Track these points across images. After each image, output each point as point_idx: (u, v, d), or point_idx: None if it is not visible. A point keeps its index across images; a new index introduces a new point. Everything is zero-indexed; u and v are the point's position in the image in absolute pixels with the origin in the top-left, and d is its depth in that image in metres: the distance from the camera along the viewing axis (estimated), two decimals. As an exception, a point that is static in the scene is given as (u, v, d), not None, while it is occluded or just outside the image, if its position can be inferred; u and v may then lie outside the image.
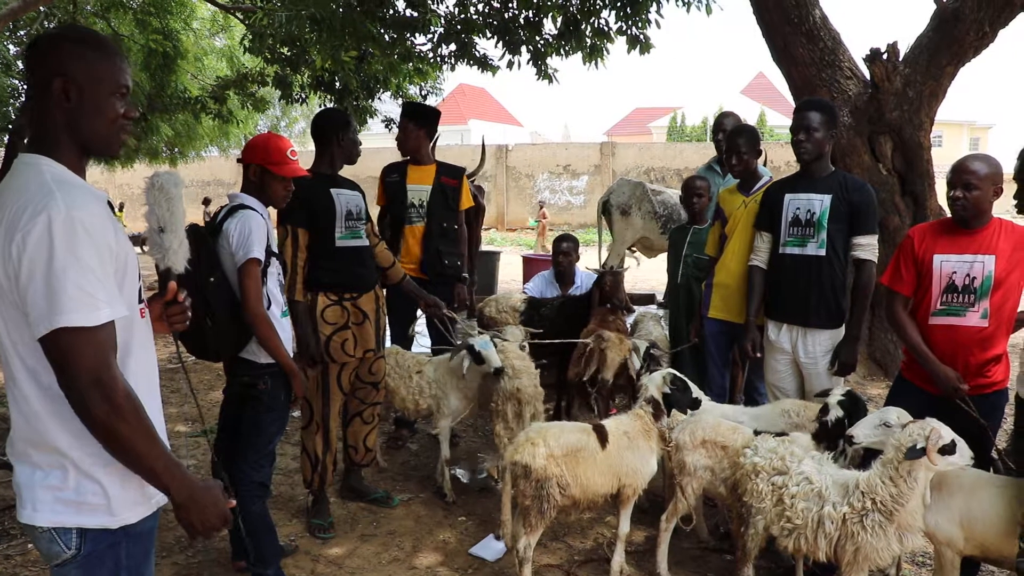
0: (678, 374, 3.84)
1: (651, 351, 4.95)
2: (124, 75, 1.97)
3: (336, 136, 4.48)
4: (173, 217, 2.18)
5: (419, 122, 5.59)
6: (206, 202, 24.94)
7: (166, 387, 7.86)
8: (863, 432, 3.39)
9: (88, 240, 1.75)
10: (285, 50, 8.46)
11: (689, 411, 3.91)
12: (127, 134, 2.03)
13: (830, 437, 3.62)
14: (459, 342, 4.92)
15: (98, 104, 1.92)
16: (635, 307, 6.06)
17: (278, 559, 3.84)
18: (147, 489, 1.96)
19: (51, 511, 1.88)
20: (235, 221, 3.51)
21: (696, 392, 4.30)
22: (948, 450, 2.96)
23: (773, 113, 40.18)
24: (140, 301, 2.03)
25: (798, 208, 4.29)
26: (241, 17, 9.66)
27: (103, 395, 1.74)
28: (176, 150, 15.98)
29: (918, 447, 3.03)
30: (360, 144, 4.64)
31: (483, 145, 7.26)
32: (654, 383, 3.88)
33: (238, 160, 3.81)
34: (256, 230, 3.50)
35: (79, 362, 1.73)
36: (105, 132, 1.95)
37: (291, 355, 3.70)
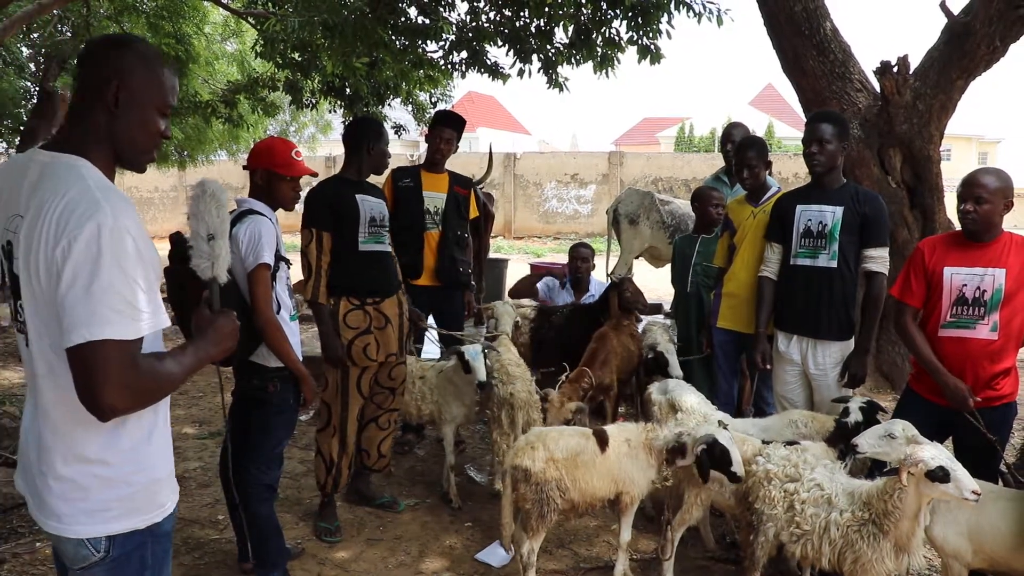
0: (719, 439, 3.51)
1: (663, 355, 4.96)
2: (173, 95, 2.00)
3: (367, 144, 4.53)
4: (224, 225, 2.12)
5: (456, 130, 5.63)
6: None
7: (173, 389, 7.88)
8: (867, 442, 3.39)
9: (134, 251, 1.76)
10: (296, 55, 8.47)
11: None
12: (158, 151, 2.05)
13: (847, 440, 3.62)
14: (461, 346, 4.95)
15: (144, 116, 1.93)
16: (642, 316, 6.07)
17: (284, 562, 3.85)
18: (167, 492, 2.02)
19: (77, 523, 1.88)
20: (244, 226, 3.53)
21: (705, 404, 4.33)
22: (937, 476, 2.90)
23: (781, 124, 40.15)
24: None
25: (810, 219, 4.30)
26: (253, 22, 9.69)
27: (131, 394, 1.77)
28: (186, 153, 16.02)
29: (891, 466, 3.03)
30: (389, 156, 4.67)
31: (490, 153, 7.29)
32: (693, 440, 3.61)
33: (244, 167, 3.84)
34: (266, 235, 3.51)
35: (109, 372, 1.72)
36: (142, 145, 1.97)
37: (300, 359, 3.72)
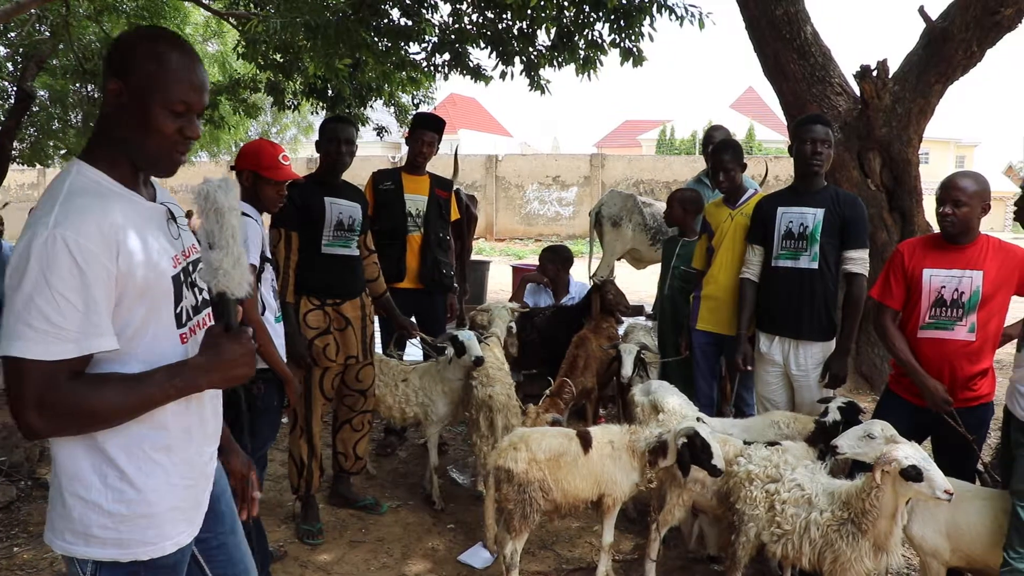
0: (700, 432, 3.56)
1: (640, 355, 4.98)
2: (186, 90, 1.80)
3: (320, 144, 4.55)
4: (223, 231, 1.82)
5: (437, 132, 5.62)
6: (189, 215, 24.22)
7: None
8: (847, 443, 3.43)
9: (70, 264, 1.60)
10: (278, 57, 8.46)
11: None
12: (182, 155, 1.85)
13: (827, 439, 3.66)
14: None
15: (148, 116, 1.77)
16: (624, 318, 6.10)
17: (267, 564, 3.84)
18: (164, 529, 1.85)
19: (63, 539, 1.80)
20: None
21: (686, 403, 4.35)
22: (911, 475, 2.94)
23: (762, 127, 40.37)
24: (181, 326, 1.88)
25: (791, 221, 4.33)
26: (235, 23, 9.66)
27: (46, 416, 1.63)
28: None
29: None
30: (343, 152, 4.53)
31: (455, 155, 7.26)
32: (675, 435, 3.64)
33: (231, 168, 3.83)
34: (251, 236, 3.50)
35: (23, 391, 1.60)
36: (153, 149, 1.81)
37: (284, 361, 3.71)
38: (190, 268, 1.94)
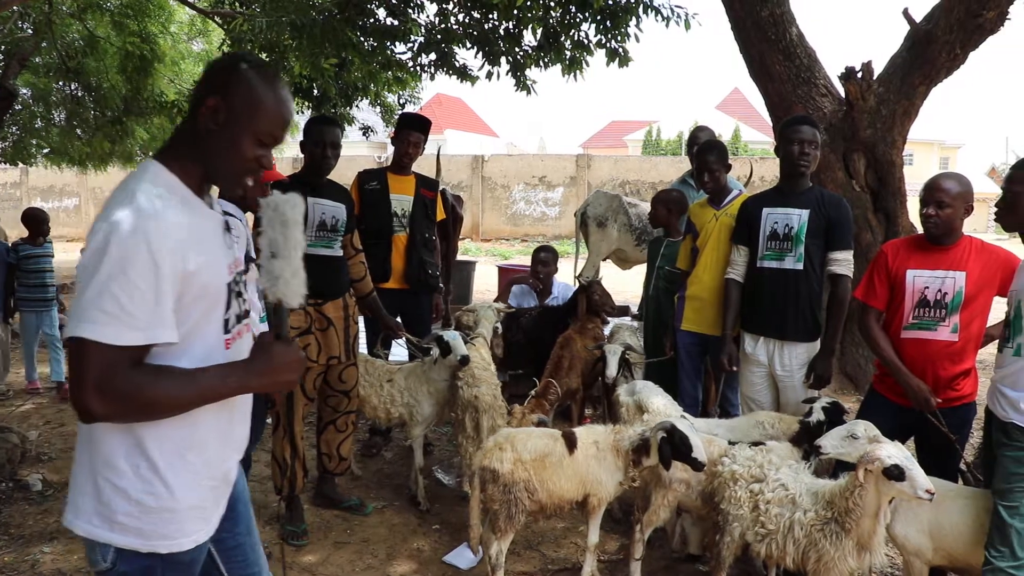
0: (677, 426, 3.57)
1: (625, 356, 4.98)
2: (278, 125, 1.94)
3: (303, 144, 4.51)
4: (287, 243, 1.92)
5: (422, 132, 5.60)
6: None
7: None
8: (830, 443, 3.44)
9: (146, 257, 1.68)
10: (264, 56, 8.43)
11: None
12: (251, 179, 1.98)
13: (810, 438, 3.68)
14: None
15: (238, 139, 1.88)
16: (610, 318, 6.10)
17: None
18: (184, 526, 1.90)
19: (87, 521, 1.84)
20: None
21: (669, 403, 4.36)
22: (893, 475, 2.96)
23: (748, 128, 40.50)
24: (227, 331, 1.96)
25: (776, 222, 4.35)
26: (220, 22, 9.62)
27: (107, 402, 1.68)
28: (151, 154, 15.85)
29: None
30: (326, 152, 4.49)
31: (438, 156, 7.25)
32: (654, 430, 3.65)
33: None
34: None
35: (86, 373, 1.66)
36: (232, 168, 1.93)
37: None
38: (238, 278, 2.03)
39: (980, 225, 36.00)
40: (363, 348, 5.31)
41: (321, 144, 4.47)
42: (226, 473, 2.05)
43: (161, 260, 1.70)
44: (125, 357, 1.69)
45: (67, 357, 1.73)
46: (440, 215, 5.94)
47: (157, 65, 10.78)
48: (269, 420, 4.72)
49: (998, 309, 3.43)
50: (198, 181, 1.92)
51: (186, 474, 1.88)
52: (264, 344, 1.91)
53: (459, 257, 10.23)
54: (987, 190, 37.30)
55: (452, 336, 4.79)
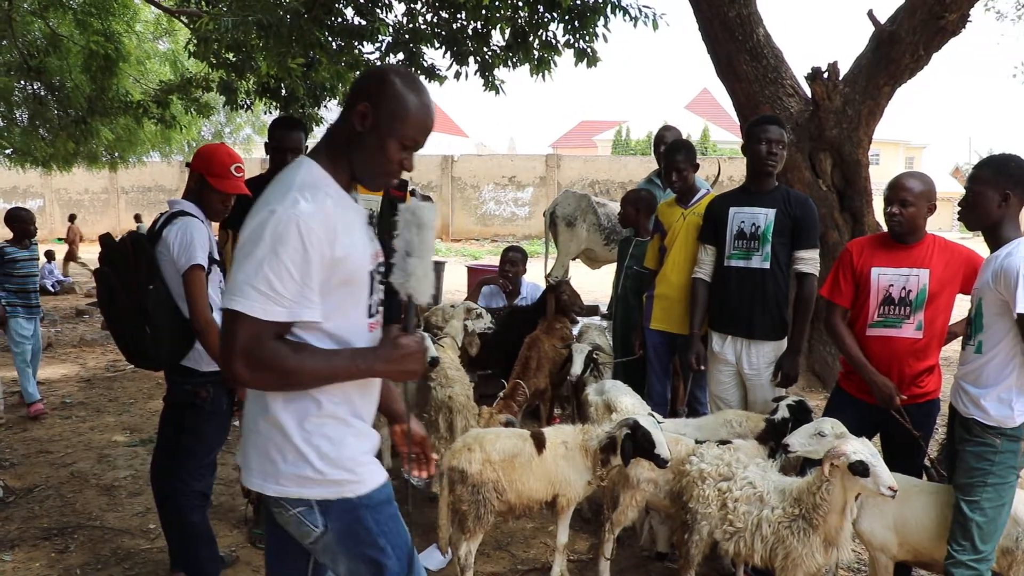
0: (640, 422, 3.61)
1: (593, 355, 4.98)
2: (421, 131, 2.10)
3: (268, 147, 4.45)
4: (422, 244, 2.10)
5: None
6: (137, 218, 23.15)
7: (103, 395, 7.69)
8: (798, 441, 3.47)
9: (297, 242, 1.87)
10: (231, 55, 8.33)
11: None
12: (393, 179, 2.15)
13: (776, 436, 3.72)
14: None
15: (384, 142, 2.05)
16: (579, 318, 6.10)
17: (217, 570, 3.78)
18: (368, 468, 2.11)
19: (273, 482, 2.03)
20: (175, 228, 3.45)
21: (639, 403, 4.36)
22: (858, 470, 2.99)
23: (717, 128, 40.78)
24: (371, 316, 2.16)
25: (743, 221, 4.37)
26: (186, 21, 9.51)
27: (251, 371, 1.89)
28: (117, 155, 15.62)
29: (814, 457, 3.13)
30: (283, 159, 4.37)
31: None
32: (619, 427, 3.68)
33: (187, 164, 3.75)
34: (198, 237, 3.44)
35: (234, 343, 1.87)
36: (376, 169, 2.10)
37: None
38: (380, 268, 2.20)
39: (945, 224, 36.46)
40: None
41: (281, 151, 4.40)
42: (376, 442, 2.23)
43: (310, 245, 1.89)
44: (270, 330, 1.89)
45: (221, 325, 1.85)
46: None
47: (122, 64, 10.61)
48: (236, 422, 4.67)
49: (961, 307, 3.47)
50: (346, 179, 2.10)
51: (352, 434, 2.09)
52: (392, 335, 2.06)
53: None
54: (951, 189, 37.83)
55: None
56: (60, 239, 18.90)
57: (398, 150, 2.07)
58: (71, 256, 18.70)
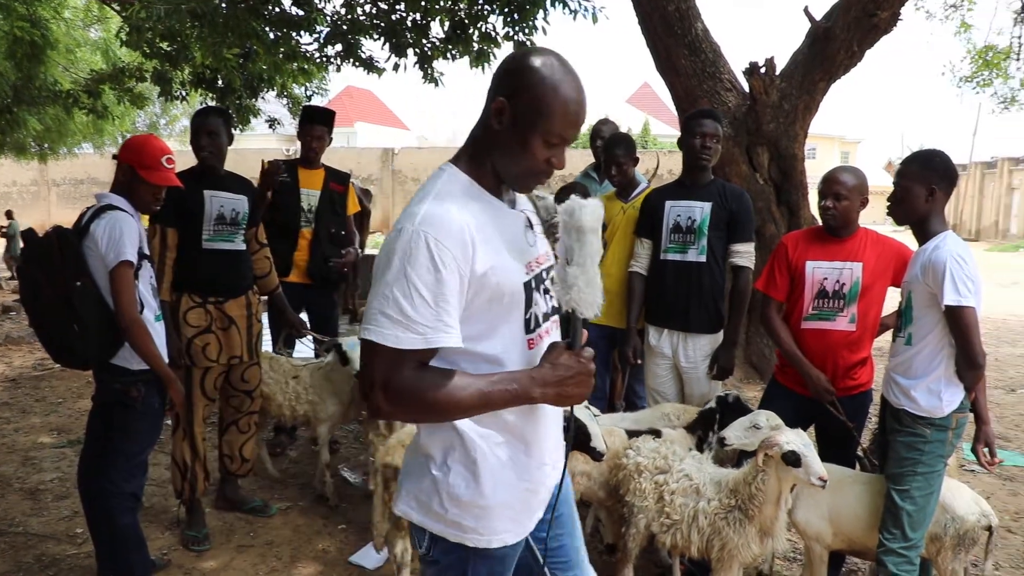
0: (578, 417, 3.41)
1: None
2: (568, 125, 1.84)
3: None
4: (583, 250, 1.82)
5: (325, 125, 5.47)
6: (9, 215, 20.77)
7: (30, 395, 7.47)
8: (734, 434, 3.50)
9: (428, 262, 1.70)
10: (164, 45, 8.15)
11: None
12: (543, 181, 1.93)
13: (705, 426, 3.79)
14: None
15: (525, 140, 1.83)
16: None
17: (148, 574, 3.69)
18: (492, 523, 1.93)
19: (406, 504, 1.96)
20: (103, 223, 3.34)
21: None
22: (790, 460, 3.01)
23: (657, 122, 41.09)
24: (530, 331, 1.93)
25: (679, 215, 4.38)
26: (118, 8, 9.27)
27: (391, 398, 1.74)
28: (46, 146, 15.19)
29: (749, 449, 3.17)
30: (199, 142, 4.33)
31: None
32: None
33: (114, 156, 3.63)
34: (127, 231, 3.34)
35: (372, 373, 1.74)
36: (521, 170, 1.89)
37: (167, 360, 3.57)
38: (543, 275, 2.00)
39: (879, 217, 37.22)
40: (267, 345, 5.19)
41: (197, 134, 4.31)
42: (542, 479, 2.03)
43: (442, 265, 1.70)
44: (408, 359, 1.73)
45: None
46: (353, 208, 5.83)
47: (50, 52, 10.26)
48: (168, 421, 4.57)
49: (892, 299, 3.53)
50: (493, 182, 1.91)
51: (495, 472, 1.90)
52: (553, 354, 1.84)
53: (368, 251, 10.11)
54: (885, 183, 38.63)
55: (351, 346, 4.66)
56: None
57: (543, 148, 1.84)
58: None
